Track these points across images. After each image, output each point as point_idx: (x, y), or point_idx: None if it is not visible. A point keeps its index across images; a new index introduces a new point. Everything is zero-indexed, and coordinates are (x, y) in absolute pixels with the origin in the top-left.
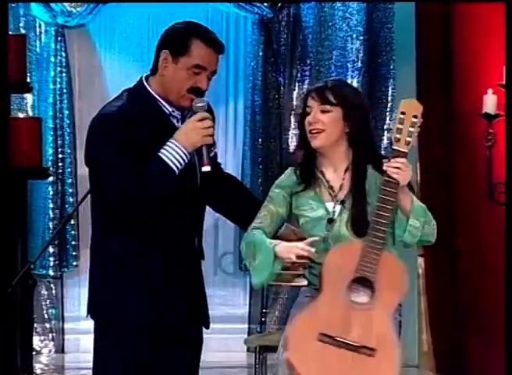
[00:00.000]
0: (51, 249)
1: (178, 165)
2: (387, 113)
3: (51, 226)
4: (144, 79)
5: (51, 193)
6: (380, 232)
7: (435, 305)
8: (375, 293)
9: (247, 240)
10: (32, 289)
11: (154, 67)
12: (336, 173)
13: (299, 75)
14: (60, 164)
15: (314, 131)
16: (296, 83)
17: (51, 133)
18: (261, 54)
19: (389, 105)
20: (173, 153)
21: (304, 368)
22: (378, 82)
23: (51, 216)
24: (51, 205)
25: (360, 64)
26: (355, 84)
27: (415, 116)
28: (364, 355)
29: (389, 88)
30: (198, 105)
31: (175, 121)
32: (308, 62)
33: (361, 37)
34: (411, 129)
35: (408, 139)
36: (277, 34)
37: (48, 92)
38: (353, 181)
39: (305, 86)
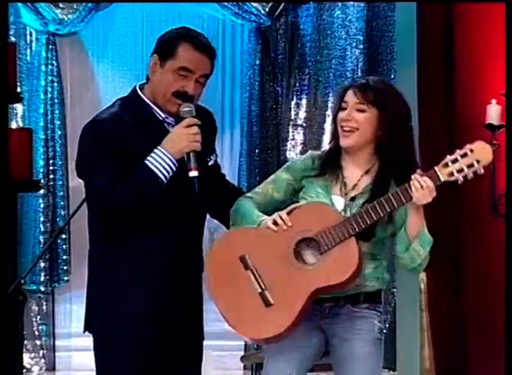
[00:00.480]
0: (41, 264)
1: (165, 173)
2: None
3: (41, 240)
4: (137, 87)
5: (42, 206)
6: (358, 224)
7: (437, 321)
8: (315, 263)
9: (238, 205)
10: (22, 305)
11: (148, 71)
12: (354, 171)
13: (297, 85)
14: (51, 176)
15: (346, 129)
16: (294, 93)
17: (42, 144)
18: (258, 63)
19: None
20: (160, 161)
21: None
22: None
23: (42, 229)
24: (42, 219)
25: (359, 73)
26: None
27: (478, 162)
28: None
29: None
30: (184, 109)
31: (170, 127)
32: (307, 71)
33: (361, 46)
34: (465, 168)
35: (455, 174)
36: (274, 43)
37: (38, 102)
38: (373, 188)
39: (303, 96)
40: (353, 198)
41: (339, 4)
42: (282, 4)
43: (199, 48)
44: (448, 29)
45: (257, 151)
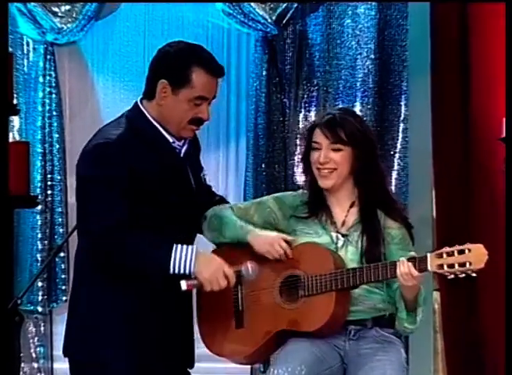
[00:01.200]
0: (39, 283)
1: (177, 270)
2: (399, 138)
3: (39, 258)
4: (140, 104)
5: (39, 223)
6: (343, 283)
7: (452, 344)
8: (293, 304)
9: (217, 211)
10: (19, 326)
11: (150, 93)
12: (341, 207)
13: (305, 96)
14: (49, 192)
15: (325, 171)
16: (303, 105)
17: (40, 158)
18: (264, 74)
19: (401, 128)
20: (182, 261)
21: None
22: (390, 104)
23: (40, 247)
24: (39, 236)
25: (371, 84)
26: (365, 106)
27: (470, 263)
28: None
29: (402, 110)
30: (243, 269)
31: (177, 152)
32: (315, 82)
33: (372, 56)
34: (456, 266)
35: (445, 268)
36: (282, 53)
37: (36, 114)
38: (364, 219)
39: (312, 108)
40: (345, 235)
41: (350, 12)
42: (290, 12)
43: (213, 72)
44: (463, 38)
45: (263, 165)
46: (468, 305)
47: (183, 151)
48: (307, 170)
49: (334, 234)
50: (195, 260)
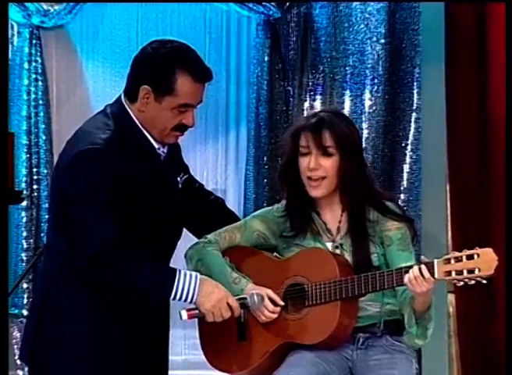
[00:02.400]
0: (24, 285)
1: (178, 296)
2: (411, 129)
3: (24, 257)
4: (124, 103)
5: (24, 220)
6: (347, 292)
7: (468, 349)
8: (296, 315)
9: (202, 255)
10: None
11: (132, 96)
12: (331, 213)
13: (310, 84)
14: (35, 186)
15: (315, 178)
16: (307, 94)
17: (25, 150)
18: (266, 60)
19: (413, 118)
20: (185, 289)
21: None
22: (402, 92)
23: (25, 246)
24: (24, 234)
25: (381, 71)
26: (375, 94)
27: (479, 270)
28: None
29: (414, 99)
30: (248, 297)
31: (161, 158)
32: (321, 68)
33: (382, 40)
34: (465, 272)
35: (453, 274)
36: (285, 37)
37: (21, 103)
38: (352, 225)
39: (318, 96)
40: (340, 244)
41: None
42: None
43: (199, 78)
44: (480, 20)
45: (265, 158)
46: (485, 307)
47: (163, 155)
48: (293, 179)
49: (329, 244)
50: (198, 289)
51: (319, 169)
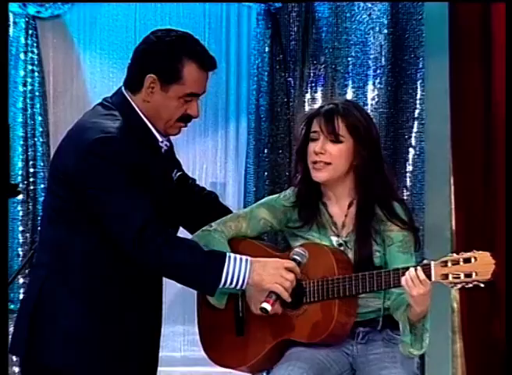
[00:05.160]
0: (20, 280)
1: (228, 283)
2: (415, 121)
3: (20, 252)
4: (126, 95)
5: (20, 214)
6: (345, 290)
7: (472, 346)
8: (295, 312)
9: (207, 240)
10: None
11: (135, 86)
12: (339, 206)
13: (311, 75)
14: (31, 179)
15: (319, 163)
16: (309, 85)
17: (21, 143)
18: (267, 50)
19: (417, 110)
20: (235, 275)
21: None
22: (405, 83)
23: (21, 240)
24: (20, 228)
25: (383, 62)
26: (377, 86)
27: (476, 273)
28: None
29: (418, 90)
30: (299, 252)
31: (162, 151)
32: (323, 59)
33: (385, 31)
34: (462, 276)
35: (450, 278)
36: (286, 27)
37: (17, 95)
38: (358, 222)
39: (319, 88)
40: (345, 242)
41: None
42: None
43: (206, 66)
44: (486, 10)
45: (265, 150)
46: (490, 303)
47: (165, 148)
48: (301, 163)
49: (334, 239)
50: (249, 271)
51: (324, 154)
